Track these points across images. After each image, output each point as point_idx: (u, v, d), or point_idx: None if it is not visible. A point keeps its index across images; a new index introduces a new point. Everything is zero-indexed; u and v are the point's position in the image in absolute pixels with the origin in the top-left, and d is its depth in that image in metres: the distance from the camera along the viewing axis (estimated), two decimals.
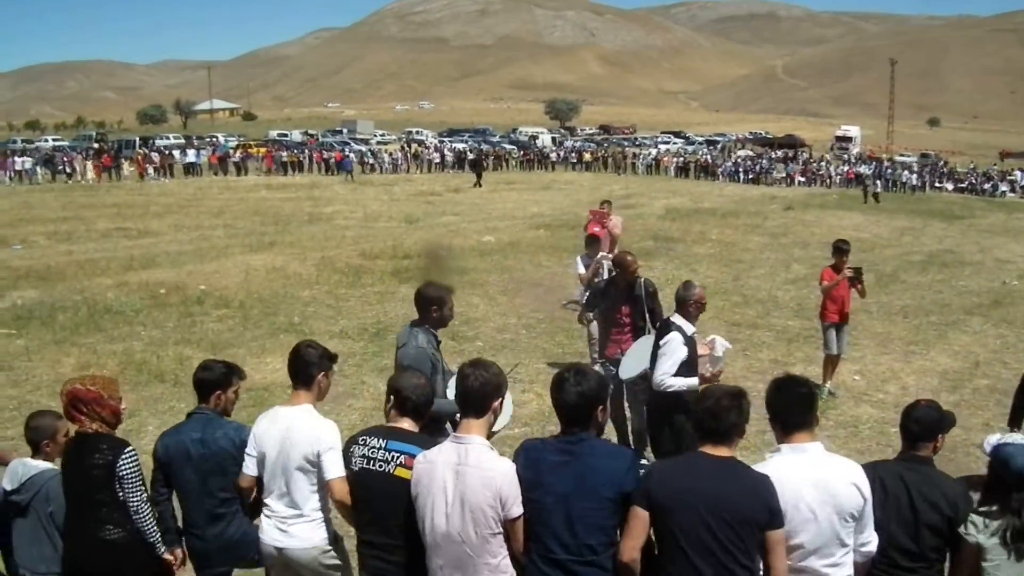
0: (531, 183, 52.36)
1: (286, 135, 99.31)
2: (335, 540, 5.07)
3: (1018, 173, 71.75)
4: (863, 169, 67.76)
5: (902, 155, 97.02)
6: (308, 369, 5.07)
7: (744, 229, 31.16)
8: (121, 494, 4.91)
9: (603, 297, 9.98)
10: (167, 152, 60.99)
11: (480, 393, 4.44)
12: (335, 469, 4.78)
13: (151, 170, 53.85)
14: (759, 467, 4.40)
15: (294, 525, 4.93)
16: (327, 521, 5.01)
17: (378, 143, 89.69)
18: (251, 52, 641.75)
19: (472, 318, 16.09)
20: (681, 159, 75.94)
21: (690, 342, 7.93)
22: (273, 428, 4.98)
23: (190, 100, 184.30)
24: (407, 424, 4.84)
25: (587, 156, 75.71)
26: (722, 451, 4.28)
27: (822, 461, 4.42)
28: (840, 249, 12.53)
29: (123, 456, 4.88)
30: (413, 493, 4.47)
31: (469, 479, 4.28)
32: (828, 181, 65.69)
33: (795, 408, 4.49)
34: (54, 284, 18.26)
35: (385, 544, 4.67)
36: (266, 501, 5.02)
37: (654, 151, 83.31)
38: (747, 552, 4.14)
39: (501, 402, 4.56)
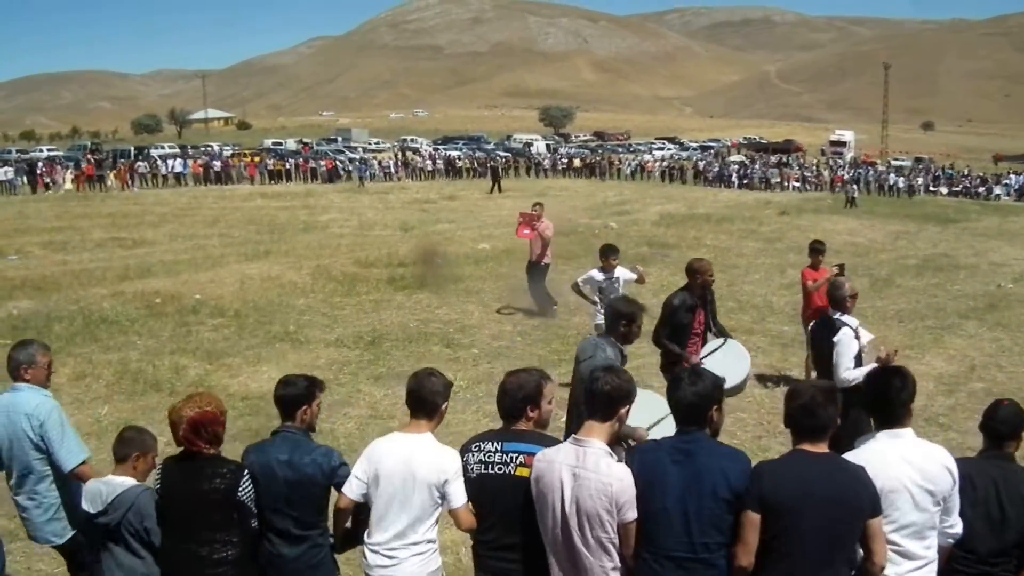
0: (526, 190, 52.25)
1: (281, 144, 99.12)
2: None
3: (1012, 176, 71.90)
4: (842, 174, 67.96)
5: (896, 159, 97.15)
6: (434, 399, 4.97)
7: (739, 235, 31.23)
8: (236, 517, 4.85)
9: (687, 311, 9.31)
10: (153, 162, 60.88)
11: (609, 398, 4.49)
12: (460, 498, 4.74)
13: (135, 180, 53.84)
14: (856, 453, 4.51)
15: (404, 560, 4.83)
16: (436, 553, 4.97)
17: (372, 151, 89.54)
18: (245, 61, 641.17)
19: (467, 325, 16.13)
20: (665, 163, 76.06)
21: (856, 335, 8.06)
22: (393, 455, 4.86)
23: (185, 109, 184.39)
24: (520, 424, 4.82)
25: (577, 163, 75.73)
26: (820, 447, 4.34)
27: (916, 445, 4.55)
28: (816, 249, 13.15)
29: (243, 480, 4.82)
30: (534, 490, 4.50)
31: (585, 484, 4.32)
32: (823, 186, 65.68)
33: (898, 399, 4.60)
34: (49, 294, 18.25)
35: (509, 544, 4.68)
36: (372, 533, 4.90)
37: (647, 157, 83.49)
38: (854, 543, 4.26)
39: (628, 410, 4.60)
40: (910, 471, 4.38)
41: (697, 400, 4.44)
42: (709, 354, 8.82)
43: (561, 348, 14.71)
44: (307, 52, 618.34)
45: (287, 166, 62.97)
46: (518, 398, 4.80)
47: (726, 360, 8.53)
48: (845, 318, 8.17)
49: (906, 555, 4.40)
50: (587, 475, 4.31)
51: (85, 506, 5.07)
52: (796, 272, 22.62)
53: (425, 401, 4.94)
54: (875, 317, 16.91)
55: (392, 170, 62.91)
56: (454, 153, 79.15)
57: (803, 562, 4.16)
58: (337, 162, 66.31)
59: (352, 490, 4.91)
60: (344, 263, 22.02)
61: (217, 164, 60.51)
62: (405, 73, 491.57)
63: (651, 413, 7.76)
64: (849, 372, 7.83)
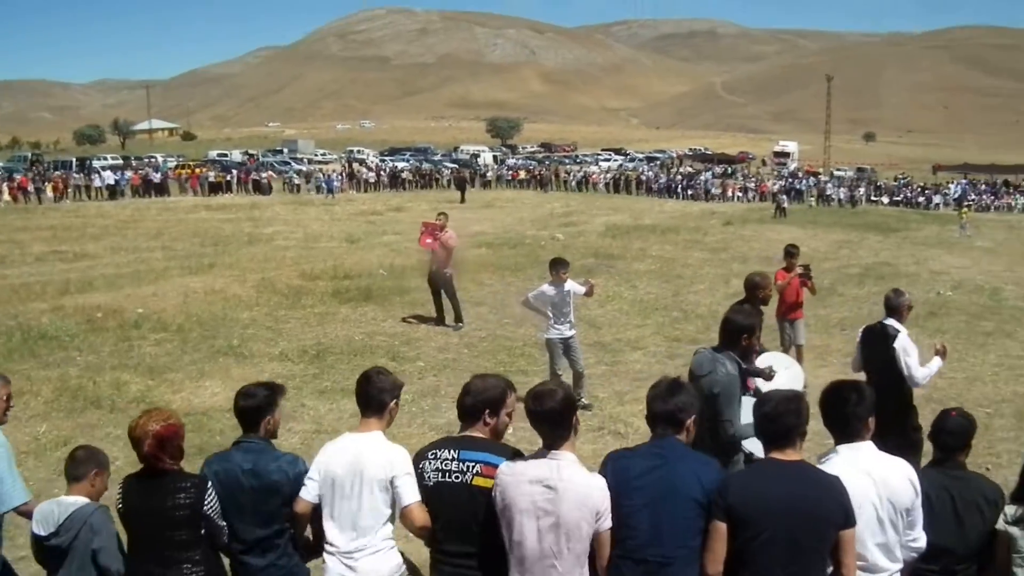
0: (473, 201, 52.38)
1: (226, 155, 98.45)
2: (405, 567, 4.99)
3: (952, 186, 73.05)
4: (770, 185, 68.83)
5: (839, 169, 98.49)
6: (381, 396, 4.96)
7: (684, 245, 31.44)
8: (205, 532, 4.79)
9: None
10: (90, 174, 60.18)
11: (553, 421, 4.44)
12: (411, 494, 4.72)
13: (69, 192, 53.20)
14: (819, 467, 4.50)
15: (361, 560, 4.78)
16: (395, 550, 4.93)
17: (319, 162, 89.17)
18: (191, 71, 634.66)
19: (413, 338, 16.07)
20: (610, 175, 76.47)
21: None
22: (342, 454, 4.86)
23: (128, 120, 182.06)
24: (476, 431, 4.79)
25: (522, 174, 75.90)
26: (790, 455, 4.35)
27: (877, 458, 4.57)
28: (790, 252, 14.14)
29: (208, 494, 4.75)
30: (499, 505, 4.46)
31: (564, 496, 4.29)
32: (763, 197, 66.37)
33: (854, 413, 4.61)
34: None
35: (464, 552, 4.65)
36: (328, 536, 4.85)
37: (593, 168, 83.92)
38: (824, 553, 4.24)
39: (578, 418, 4.59)
40: (871, 484, 4.41)
41: (675, 408, 4.52)
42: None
43: (508, 360, 14.73)
44: (253, 62, 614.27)
45: (228, 178, 62.47)
46: (479, 400, 4.78)
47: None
48: (899, 325, 8.46)
49: (871, 569, 4.43)
50: (565, 486, 4.29)
51: (36, 529, 4.93)
52: (741, 282, 22.86)
53: (373, 398, 4.95)
54: (818, 326, 17.05)
55: (336, 183, 62.50)
56: (400, 164, 79.00)
57: (770, 571, 4.17)
58: (291, 174, 66.17)
59: (308, 493, 4.88)
60: (289, 276, 21.87)
61: (156, 176, 59.88)
62: (352, 84, 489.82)
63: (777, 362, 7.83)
64: (920, 371, 8.29)
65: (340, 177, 63.27)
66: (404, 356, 14.78)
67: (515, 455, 4.61)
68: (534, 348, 15.41)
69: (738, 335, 6.66)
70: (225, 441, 8.52)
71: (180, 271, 22.70)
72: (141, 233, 33.53)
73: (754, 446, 5.63)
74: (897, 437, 7.78)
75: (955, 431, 4.96)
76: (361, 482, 4.74)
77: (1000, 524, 4.72)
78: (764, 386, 7.16)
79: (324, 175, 65.72)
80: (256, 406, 5.04)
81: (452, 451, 4.71)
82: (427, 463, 4.75)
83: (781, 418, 4.35)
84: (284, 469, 4.94)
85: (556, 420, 4.41)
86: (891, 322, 8.48)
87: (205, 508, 4.72)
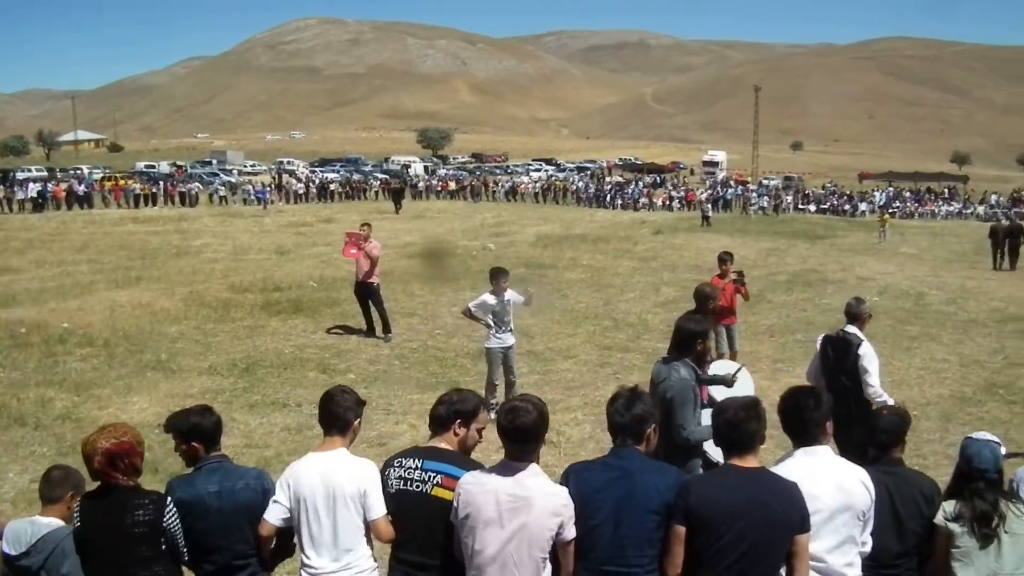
0: (404, 212, 52.27)
1: (154, 167, 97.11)
2: None
3: (877, 194, 74.27)
4: (695, 193, 69.63)
5: (767, 178, 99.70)
6: (346, 415, 4.95)
7: (614, 254, 31.70)
8: (165, 547, 4.68)
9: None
10: (13, 186, 59.18)
11: (522, 438, 4.44)
12: (379, 508, 4.73)
13: None
14: (776, 470, 4.55)
15: None
16: (377, 572, 4.94)
17: (248, 174, 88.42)
18: (118, 81, 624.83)
19: (344, 350, 16.01)
20: (538, 185, 76.80)
21: None
22: (310, 474, 4.82)
23: (53, 131, 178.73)
24: (443, 443, 4.83)
25: (452, 184, 75.92)
26: (750, 461, 4.41)
27: (834, 462, 4.66)
28: (723, 259, 14.49)
29: (167, 509, 4.65)
30: (461, 514, 4.45)
31: (528, 506, 4.31)
32: (692, 206, 66.94)
33: (811, 418, 4.69)
34: None
35: (422, 563, 4.66)
36: (307, 556, 4.81)
37: (524, 178, 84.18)
38: (780, 558, 4.30)
39: (545, 435, 4.59)
40: (828, 488, 4.48)
41: (635, 419, 4.56)
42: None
43: (439, 371, 14.74)
44: (181, 72, 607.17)
45: (154, 190, 61.68)
46: (452, 410, 4.85)
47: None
48: (861, 333, 8.65)
49: (825, 572, 4.49)
50: (532, 495, 4.32)
51: (6, 548, 4.79)
52: (671, 290, 23.21)
53: (338, 417, 4.94)
54: (747, 332, 17.24)
55: (264, 194, 61.82)
56: (331, 176, 78.59)
57: (728, 574, 4.22)
58: (217, 186, 65.49)
59: (273, 515, 4.83)
60: (218, 288, 21.69)
61: (81, 188, 59.01)
62: (282, 94, 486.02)
63: (731, 370, 7.88)
64: (878, 382, 8.43)
65: (269, 189, 62.65)
66: (335, 368, 14.71)
67: (473, 468, 4.64)
68: (466, 358, 15.45)
69: (692, 341, 6.82)
70: (154, 458, 8.47)
71: (107, 285, 22.39)
72: (66, 246, 33.00)
73: (716, 452, 5.73)
74: (855, 445, 8.07)
75: (888, 429, 5.07)
76: (335, 500, 4.73)
77: (939, 520, 4.82)
78: (719, 393, 7.31)
79: (254, 187, 65.14)
80: (215, 423, 5.02)
81: (417, 460, 4.77)
82: (392, 471, 4.80)
83: (742, 424, 4.41)
84: (252, 487, 4.89)
85: (527, 437, 4.44)
86: (853, 330, 8.68)
87: (165, 523, 4.64)
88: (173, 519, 4.68)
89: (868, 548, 4.66)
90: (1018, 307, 22.09)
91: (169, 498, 4.72)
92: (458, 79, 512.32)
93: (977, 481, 4.81)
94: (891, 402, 8.32)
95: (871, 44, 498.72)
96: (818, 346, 9.14)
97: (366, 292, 17.05)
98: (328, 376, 14.10)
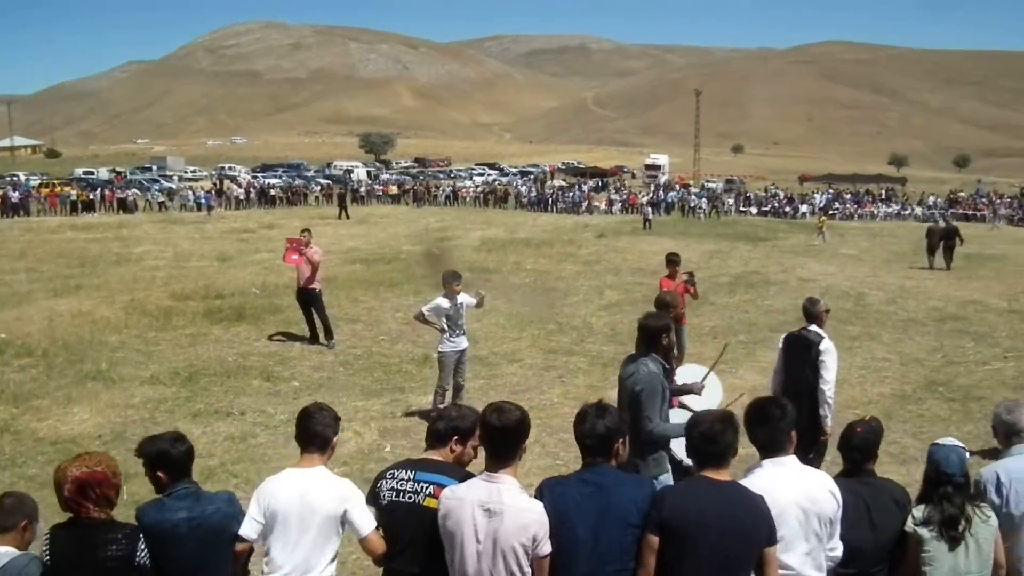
0: (343, 217, 51.99)
1: (93, 173, 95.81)
2: None
3: (817, 196, 75.06)
4: (637, 197, 70.10)
5: (709, 181, 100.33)
6: (325, 432, 4.90)
7: (558, 258, 31.81)
8: None
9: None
10: None
11: (506, 438, 4.46)
12: (368, 524, 4.73)
13: None
14: (745, 481, 4.58)
15: None
16: None
17: (189, 180, 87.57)
18: (56, 86, 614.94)
19: (288, 357, 15.87)
20: (479, 189, 76.90)
21: None
22: (287, 491, 4.76)
23: None
24: (437, 455, 4.83)
25: (393, 189, 75.77)
26: (723, 474, 4.43)
27: (801, 471, 4.71)
28: (671, 260, 14.65)
29: (140, 544, 4.47)
30: (442, 526, 4.45)
31: (503, 520, 4.29)
32: (634, 209, 67.26)
33: (778, 428, 4.73)
34: None
35: (413, 573, 4.65)
36: (271, 572, 4.73)
37: (468, 183, 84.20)
38: (749, 570, 4.32)
39: (526, 444, 4.58)
40: (798, 497, 4.53)
41: (605, 433, 4.52)
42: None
43: (384, 377, 14.67)
44: (121, 77, 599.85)
45: (92, 197, 60.82)
46: (451, 426, 4.86)
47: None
48: (823, 332, 8.88)
49: None
50: (503, 510, 4.30)
51: None
52: (614, 293, 23.33)
53: (316, 435, 4.88)
54: (691, 334, 17.31)
55: (205, 200, 61.06)
56: (272, 181, 78.03)
57: None
58: (156, 192, 64.74)
59: (249, 532, 4.76)
60: (159, 296, 21.48)
61: (15, 195, 58.12)
62: (223, 99, 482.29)
63: (697, 375, 8.09)
64: (833, 379, 8.77)
65: (210, 195, 62.01)
66: (279, 376, 14.59)
67: (465, 479, 4.62)
68: (411, 364, 15.43)
69: (657, 336, 6.93)
70: None
71: (45, 294, 22.09)
72: (3, 255, 32.41)
73: (683, 451, 5.77)
74: (810, 440, 8.41)
75: (860, 447, 5.12)
76: (313, 518, 4.69)
77: (908, 526, 4.90)
78: (692, 402, 7.39)
79: (194, 192, 64.47)
80: (183, 452, 4.83)
81: (409, 471, 4.76)
82: (384, 482, 4.78)
83: (718, 437, 4.44)
84: (224, 511, 4.77)
85: (509, 439, 4.45)
86: (813, 328, 8.96)
87: (138, 559, 4.48)
88: (146, 554, 4.52)
89: (838, 553, 4.74)
90: (956, 306, 22.49)
91: (142, 533, 4.56)
92: (400, 84, 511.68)
93: (945, 485, 4.90)
94: (830, 402, 8.72)
95: (809, 48, 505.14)
96: (780, 345, 9.40)
97: (308, 298, 16.95)
98: (272, 384, 14.02)
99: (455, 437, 4.84)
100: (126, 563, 4.44)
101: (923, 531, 4.84)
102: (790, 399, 8.73)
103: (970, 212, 68.33)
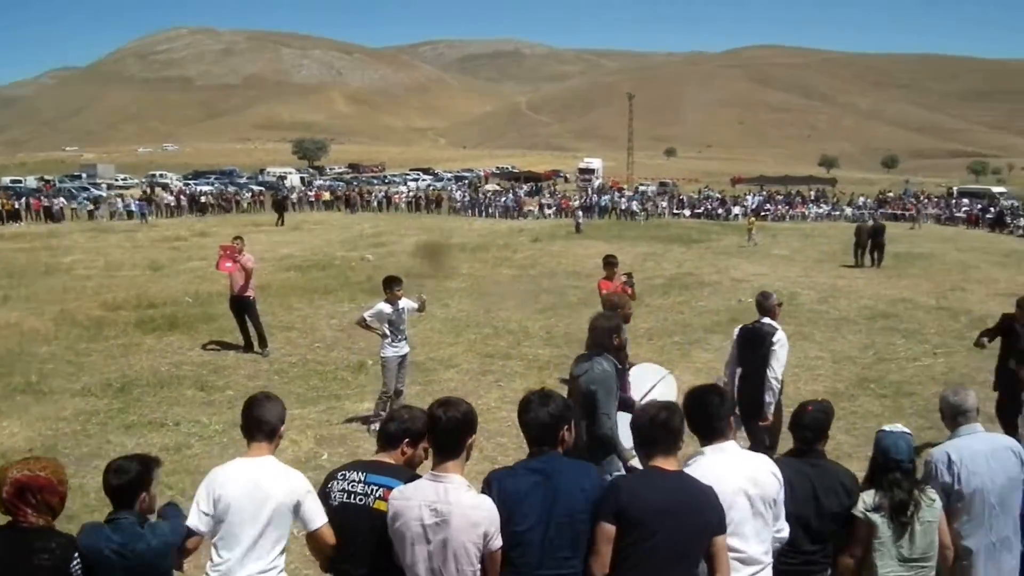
0: (276, 223, 51.61)
1: (20, 181, 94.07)
2: None
3: (749, 198, 75.83)
4: (569, 201, 70.47)
5: (643, 184, 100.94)
6: (272, 421, 4.84)
7: (494, 262, 31.84)
8: None
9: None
10: None
11: (453, 432, 4.43)
12: (319, 517, 4.66)
13: None
14: (689, 470, 4.59)
15: None
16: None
17: (119, 187, 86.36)
18: None
19: (222, 366, 15.71)
20: (412, 194, 76.77)
21: None
22: (237, 481, 4.67)
23: None
24: (388, 457, 4.78)
25: (326, 195, 75.37)
26: (671, 463, 4.46)
27: (743, 455, 4.78)
28: (609, 263, 14.61)
29: (75, 557, 4.30)
30: (391, 528, 4.41)
31: (452, 519, 4.26)
32: (567, 213, 67.49)
33: (707, 416, 4.77)
34: None
35: (363, 575, 4.61)
36: (216, 559, 4.64)
37: (402, 188, 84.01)
38: (699, 558, 4.35)
39: (473, 440, 4.54)
40: (742, 480, 4.58)
41: (550, 421, 4.51)
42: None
43: (320, 384, 14.58)
44: (48, 83, 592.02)
45: (17, 206, 59.71)
46: (402, 428, 4.82)
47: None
48: (776, 323, 9.22)
49: (746, 561, 4.57)
50: (452, 509, 4.28)
51: None
52: (550, 297, 23.39)
53: (265, 423, 4.83)
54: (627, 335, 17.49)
55: (139, 209, 60.09)
56: (204, 188, 77.20)
57: (653, 573, 4.26)
58: (83, 200, 63.67)
59: (199, 525, 4.66)
60: (90, 306, 21.18)
61: None
62: (154, 106, 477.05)
63: (643, 385, 8.11)
64: (781, 369, 9.13)
65: (144, 203, 61.08)
66: (213, 385, 14.44)
67: (412, 480, 4.60)
68: (346, 371, 15.35)
69: (608, 336, 7.01)
70: None
71: None
72: None
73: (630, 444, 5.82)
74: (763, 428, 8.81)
75: (811, 425, 5.22)
76: (265, 508, 4.63)
77: (859, 511, 4.99)
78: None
79: (123, 200, 63.56)
80: (129, 482, 4.59)
81: (360, 473, 4.72)
82: (335, 483, 4.74)
83: (669, 423, 4.49)
84: (155, 548, 4.53)
85: (456, 433, 4.43)
86: (768, 321, 9.30)
87: (72, 571, 4.32)
88: (79, 567, 4.36)
89: (784, 534, 4.80)
90: (886, 304, 22.85)
91: (77, 551, 4.40)
92: (334, 89, 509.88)
93: (894, 471, 5.01)
94: (775, 389, 9.04)
95: (741, 52, 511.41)
96: (734, 337, 9.70)
97: (242, 306, 16.82)
98: (206, 394, 13.88)
99: (406, 439, 4.81)
100: (58, 573, 4.31)
101: (875, 516, 4.94)
102: (746, 389, 9.13)
103: (899, 212, 69.39)
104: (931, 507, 5.00)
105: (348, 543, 4.67)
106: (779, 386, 9.08)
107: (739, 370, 9.51)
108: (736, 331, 9.77)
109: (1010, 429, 9.76)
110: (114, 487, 4.57)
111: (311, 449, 11.19)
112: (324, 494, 4.75)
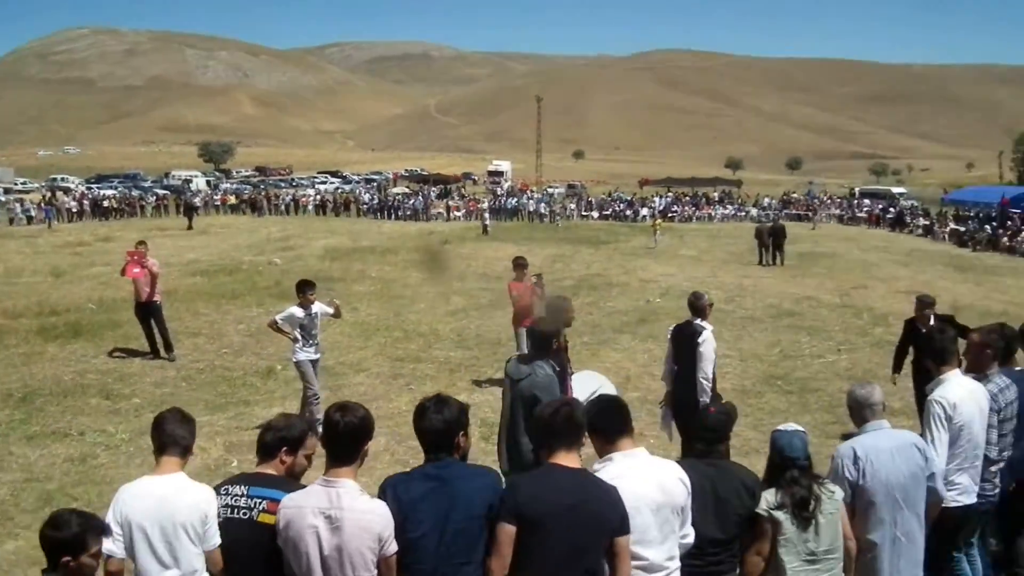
0: (185, 228, 50.85)
1: None
2: None
3: (657, 199, 76.60)
4: (476, 203, 70.67)
5: (551, 186, 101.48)
6: (183, 436, 4.76)
7: (403, 265, 31.75)
8: None
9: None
10: None
11: (350, 438, 4.36)
12: (216, 537, 4.56)
13: None
14: (599, 475, 4.57)
15: None
16: None
17: (19, 192, 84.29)
18: None
19: (127, 374, 15.43)
20: (320, 197, 76.34)
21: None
22: (144, 500, 4.55)
23: None
24: (270, 469, 4.68)
25: (232, 199, 74.46)
26: (573, 460, 4.45)
27: (651, 462, 4.74)
28: (519, 264, 14.76)
29: None
30: (281, 539, 4.32)
31: (346, 524, 4.19)
32: (476, 216, 67.57)
33: (615, 419, 4.76)
34: None
35: None
36: None
37: (309, 191, 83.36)
38: (600, 557, 4.33)
39: (369, 446, 4.49)
40: (649, 487, 4.57)
41: (444, 427, 4.48)
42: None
43: (228, 390, 14.41)
44: None
45: None
46: (278, 437, 4.74)
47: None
48: (706, 324, 9.42)
49: (649, 568, 4.58)
50: (345, 515, 4.22)
51: None
52: (460, 299, 23.41)
53: (175, 439, 4.76)
54: None
55: (47, 214, 58.58)
56: (108, 192, 75.68)
57: (553, 573, 4.25)
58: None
59: (113, 549, 4.46)
60: None
61: None
62: (55, 107, 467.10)
63: (593, 383, 8.26)
64: (709, 368, 9.31)
65: (50, 207, 59.54)
66: (119, 394, 14.18)
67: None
68: (255, 377, 15.20)
69: (548, 340, 7.12)
70: None
71: None
72: None
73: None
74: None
75: (714, 427, 5.26)
76: (175, 527, 4.52)
77: (762, 510, 5.04)
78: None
79: (22, 205, 62.03)
80: (63, 541, 4.08)
81: (243, 487, 4.63)
82: (219, 498, 4.63)
83: (573, 418, 4.51)
84: None
85: (353, 439, 4.38)
86: (698, 321, 9.48)
87: None
88: None
89: (690, 540, 4.81)
90: (791, 303, 23.32)
91: None
92: (240, 91, 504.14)
93: (791, 469, 5.08)
94: (706, 387, 9.16)
95: (648, 55, 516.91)
96: (668, 336, 9.92)
97: (150, 312, 16.57)
98: (112, 402, 13.64)
99: (283, 448, 4.74)
100: None
101: (778, 514, 5.00)
102: (681, 386, 9.31)
103: (803, 212, 70.74)
104: (832, 499, 5.09)
105: (234, 558, 4.59)
106: (710, 385, 9.23)
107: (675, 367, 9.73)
108: (669, 330, 10.03)
109: None
110: (52, 542, 4.08)
111: (221, 456, 11.07)
112: None
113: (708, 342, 9.29)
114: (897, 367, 11.81)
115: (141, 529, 4.53)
